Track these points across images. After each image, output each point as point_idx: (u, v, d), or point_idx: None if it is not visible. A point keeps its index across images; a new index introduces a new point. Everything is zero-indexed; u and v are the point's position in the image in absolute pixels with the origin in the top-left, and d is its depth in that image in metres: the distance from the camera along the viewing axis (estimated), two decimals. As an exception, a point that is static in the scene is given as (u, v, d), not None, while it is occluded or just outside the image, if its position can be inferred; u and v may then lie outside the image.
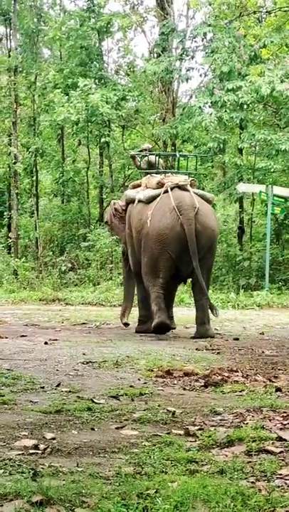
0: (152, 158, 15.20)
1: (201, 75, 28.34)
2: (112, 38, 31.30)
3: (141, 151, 15.86)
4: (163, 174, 14.19)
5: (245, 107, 25.37)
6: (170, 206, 13.03)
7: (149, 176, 14.35)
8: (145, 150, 15.59)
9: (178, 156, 15.97)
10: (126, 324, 14.51)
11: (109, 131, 29.13)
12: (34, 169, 31.33)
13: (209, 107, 26.04)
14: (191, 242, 12.81)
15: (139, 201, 13.85)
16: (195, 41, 27.81)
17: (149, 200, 13.53)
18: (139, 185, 14.62)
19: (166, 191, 13.42)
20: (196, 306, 13.32)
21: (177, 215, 12.90)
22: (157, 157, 15.44)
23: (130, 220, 14.16)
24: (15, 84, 29.98)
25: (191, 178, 14.15)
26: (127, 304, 14.92)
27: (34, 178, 31.58)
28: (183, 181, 13.68)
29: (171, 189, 13.44)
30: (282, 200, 24.49)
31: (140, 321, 14.33)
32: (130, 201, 14.34)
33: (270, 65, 23.55)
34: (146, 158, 15.10)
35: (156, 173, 14.38)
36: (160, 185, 13.61)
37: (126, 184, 26.09)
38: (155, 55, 29.44)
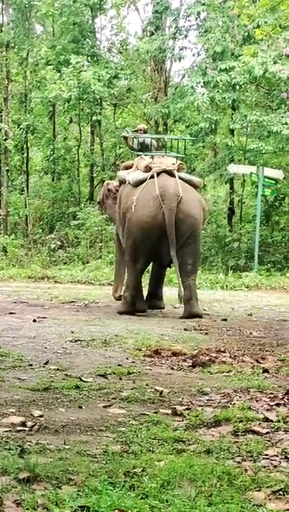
0: (145, 138, 15.22)
1: (194, 55, 28.21)
2: (105, 15, 31.08)
3: (136, 131, 15.87)
4: (153, 156, 14.18)
5: (237, 87, 25.25)
6: (154, 194, 13.08)
7: (140, 157, 14.36)
8: (140, 130, 15.59)
9: (166, 140, 15.97)
10: (120, 297, 14.54)
11: (100, 110, 28.99)
12: (25, 146, 31.16)
13: (202, 86, 25.92)
14: (170, 233, 12.94)
15: (128, 183, 13.87)
16: (188, 20, 27.67)
17: (136, 184, 13.55)
18: (131, 166, 14.63)
19: (152, 176, 13.42)
20: (183, 286, 13.34)
21: (160, 203, 12.98)
22: (150, 138, 15.46)
23: (120, 200, 14.20)
24: (6, 59, 29.79)
25: (179, 162, 14.14)
26: (119, 282, 15.01)
27: (25, 155, 31.41)
28: (170, 166, 13.69)
29: (158, 174, 13.44)
30: (273, 181, 24.44)
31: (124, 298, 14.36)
32: (122, 182, 14.39)
33: (264, 46, 23.44)
34: (138, 138, 15.11)
35: (148, 154, 14.41)
36: (148, 169, 13.59)
37: (117, 163, 26.04)
38: (148, 33, 29.26)
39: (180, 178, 13.57)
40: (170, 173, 13.52)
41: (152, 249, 13.31)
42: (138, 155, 14.63)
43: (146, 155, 14.33)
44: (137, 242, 13.28)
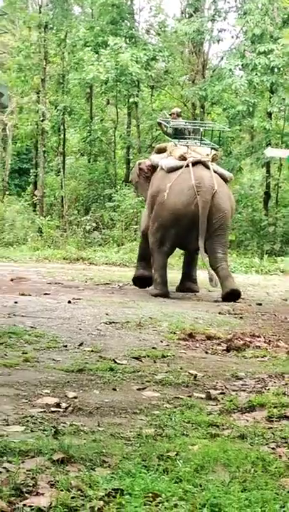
0: (179, 123, 15.27)
1: (232, 37, 28.06)
2: (143, -3, 31.03)
3: (170, 114, 15.89)
4: (187, 145, 14.28)
5: (276, 70, 25.08)
6: (189, 184, 13.28)
7: (173, 143, 14.45)
8: (174, 114, 15.61)
9: (202, 130, 15.98)
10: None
11: (138, 91, 28.94)
12: (62, 127, 31.23)
13: (240, 69, 25.78)
14: (202, 223, 13.22)
15: (161, 168, 14.01)
16: (228, 2, 27.52)
17: (170, 171, 13.70)
18: (164, 149, 14.85)
19: (187, 165, 13.56)
20: (217, 270, 13.40)
21: (195, 194, 13.19)
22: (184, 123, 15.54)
23: (152, 183, 14.33)
24: (45, 40, 29.82)
25: (213, 153, 14.29)
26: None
27: (61, 136, 31.48)
28: (205, 156, 13.86)
29: (193, 164, 13.59)
30: (310, 166, 24.30)
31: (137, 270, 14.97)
32: (154, 165, 14.57)
33: (304, 29, 23.25)
34: (172, 123, 15.16)
35: (182, 140, 14.54)
36: (182, 158, 13.74)
37: (153, 145, 25.94)
38: (187, 15, 29.13)
39: (213, 170, 13.73)
40: (204, 164, 13.68)
41: (180, 235, 13.61)
42: (175, 138, 14.67)
43: (180, 142, 14.40)
44: (166, 227, 13.53)
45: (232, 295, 13.14)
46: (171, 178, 13.52)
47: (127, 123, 31.13)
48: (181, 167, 13.59)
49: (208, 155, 13.97)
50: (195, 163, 13.63)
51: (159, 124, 16.04)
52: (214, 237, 13.50)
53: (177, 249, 15.10)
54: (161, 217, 13.53)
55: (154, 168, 14.63)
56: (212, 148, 14.63)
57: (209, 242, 13.41)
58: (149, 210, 14.29)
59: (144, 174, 15.03)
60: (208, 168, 13.69)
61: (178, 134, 14.95)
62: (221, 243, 13.71)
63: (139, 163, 15.36)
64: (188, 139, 14.70)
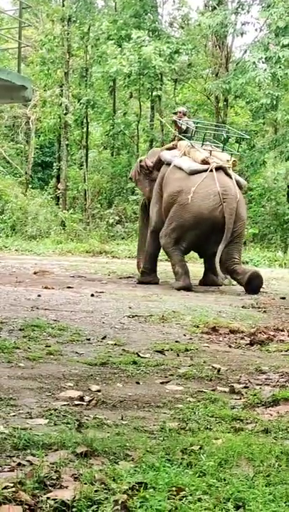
0: (189, 123, 15.44)
1: (256, 30, 28.02)
2: (167, -10, 30.97)
3: (176, 113, 16.08)
4: (207, 149, 14.56)
5: (300, 63, 24.94)
6: (215, 189, 13.52)
7: (188, 144, 14.54)
8: (180, 113, 15.74)
9: (224, 135, 16.25)
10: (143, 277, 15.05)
11: (161, 85, 28.91)
12: (85, 121, 31.24)
13: (263, 62, 25.63)
14: (228, 230, 13.51)
15: (179, 168, 14.17)
16: (251, -5, 27.37)
17: (192, 173, 13.88)
18: (172, 148, 15.13)
19: (210, 170, 13.80)
20: (232, 270, 13.80)
21: (220, 200, 13.45)
22: (192, 123, 15.76)
23: (164, 182, 14.55)
24: (68, 34, 29.83)
25: (233, 159, 14.60)
26: (142, 255, 15.68)
27: (84, 129, 31.49)
28: (226, 163, 14.12)
29: (216, 170, 13.84)
30: None
31: (144, 273, 15.03)
32: (166, 163, 14.74)
33: None
34: (181, 122, 15.37)
35: (196, 139, 14.96)
36: (205, 162, 13.95)
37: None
38: (210, 8, 29.03)
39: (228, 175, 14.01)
40: (225, 171, 13.96)
41: (198, 239, 13.89)
42: (189, 142, 14.81)
43: (196, 143, 14.67)
44: (186, 229, 13.78)
45: (255, 277, 13.57)
46: (194, 181, 13.71)
47: (150, 116, 31.12)
48: (203, 171, 13.82)
49: (228, 161, 14.24)
50: (217, 169, 13.86)
51: (175, 122, 16.07)
52: (233, 243, 13.84)
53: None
54: (183, 218, 13.73)
55: (159, 163, 14.99)
56: (232, 155, 14.96)
57: (227, 248, 13.65)
58: (160, 206, 14.60)
59: (144, 171, 15.50)
60: (228, 174, 13.99)
61: (184, 132, 15.18)
62: (238, 249, 14.20)
63: (140, 161, 15.67)
64: (198, 140, 14.92)
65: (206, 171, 13.75)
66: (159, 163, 15.04)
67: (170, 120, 20.33)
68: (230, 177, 13.93)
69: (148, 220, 15.61)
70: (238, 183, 14.15)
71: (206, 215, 13.47)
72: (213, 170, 13.74)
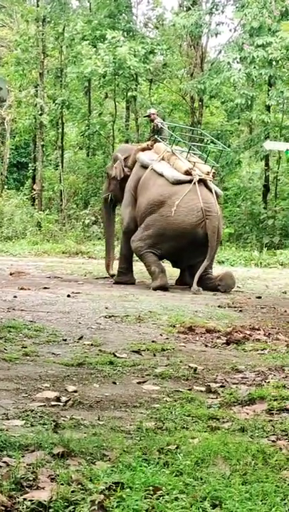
0: (164, 124, 15.59)
1: (230, 30, 28.11)
2: (141, -10, 30.99)
3: (148, 116, 16.14)
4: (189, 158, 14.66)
5: (274, 63, 25.06)
6: (198, 205, 13.60)
7: (169, 149, 14.68)
8: (154, 114, 15.84)
9: (209, 148, 16.57)
10: (113, 275, 15.18)
11: (136, 85, 28.90)
12: (60, 121, 31.18)
13: (238, 62, 25.73)
14: (212, 249, 13.80)
15: (160, 174, 14.19)
16: (226, -5, 27.46)
17: (175, 183, 13.89)
18: (148, 148, 15.19)
19: (191, 182, 13.87)
20: (206, 277, 14.00)
21: (203, 217, 13.56)
22: (164, 124, 15.87)
23: (140, 185, 14.58)
24: (43, 34, 29.76)
25: (213, 171, 14.73)
26: (111, 255, 15.95)
27: (60, 130, 31.43)
28: (207, 175, 14.19)
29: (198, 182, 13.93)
30: (309, 159, 24.28)
31: (120, 273, 15.04)
32: (141, 165, 14.79)
33: (302, 22, 23.22)
34: (157, 123, 15.52)
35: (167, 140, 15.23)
36: (188, 173, 13.99)
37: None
38: (185, 8, 29.09)
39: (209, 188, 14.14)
40: (205, 183, 14.05)
41: (174, 250, 13.95)
42: (157, 138, 15.17)
43: (188, 153, 14.80)
44: (164, 239, 13.80)
45: (228, 276, 13.92)
46: (177, 193, 13.72)
47: (125, 117, 31.12)
48: (186, 181, 13.86)
49: (208, 173, 14.33)
50: (199, 181, 13.92)
51: (152, 120, 16.10)
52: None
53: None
54: (163, 229, 13.74)
55: (136, 167, 14.98)
56: (212, 167, 15.09)
57: (202, 260, 13.76)
58: (133, 208, 14.72)
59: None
60: (209, 187, 14.06)
61: (157, 133, 15.33)
62: (212, 261, 14.49)
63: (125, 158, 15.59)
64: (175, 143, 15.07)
65: (189, 182, 13.79)
66: (134, 163, 15.05)
67: (144, 118, 20.40)
68: (211, 190, 14.01)
69: (113, 216, 16.18)
70: (216, 192, 14.25)
71: (188, 230, 13.54)
72: (196, 183, 13.77)
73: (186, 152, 14.79)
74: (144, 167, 14.60)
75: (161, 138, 15.10)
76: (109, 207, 16.23)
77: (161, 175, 14.10)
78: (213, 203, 13.83)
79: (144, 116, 16.46)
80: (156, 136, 15.28)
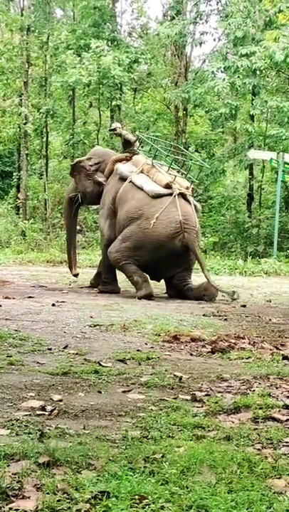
0: (128, 136, 15.58)
1: (214, 40, 28.21)
2: None
3: (114, 129, 16.21)
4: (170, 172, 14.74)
5: (258, 72, 25.19)
6: (177, 219, 13.59)
7: (148, 162, 14.74)
8: (118, 127, 15.91)
9: (190, 163, 16.67)
10: (77, 275, 15.52)
11: (120, 94, 28.96)
12: (44, 130, 31.20)
13: (222, 72, 25.86)
14: (199, 258, 13.95)
15: (139, 188, 14.20)
16: (210, 5, 27.65)
17: (155, 197, 13.91)
18: (124, 159, 15.24)
19: (171, 195, 13.91)
20: (189, 287, 14.16)
21: (181, 229, 13.54)
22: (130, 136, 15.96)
23: (119, 197, 14.59)
24: (27, 43, 29.80)
25: (192, 186, 14.82)
26: (73, 255, 16.03)
27: (44, 139, 31.45)
28: (186, 190, 14.22)
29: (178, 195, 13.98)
30: (293, 168, 24.36)
31: (105, 283, 14.99)
32: (120, 176, 14.81)
33: (285, 31, 23.36)
34: (125, 134, 15.69)
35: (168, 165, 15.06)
36: (168, 186, 14.03)
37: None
38: (169, 17, 29.19)
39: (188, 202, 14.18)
40: (185, 197, 14.07)
41: (152, 261, 13.86)
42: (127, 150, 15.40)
43: (169, 168, 14.87)
44: (142, 250, 13.79)
45: (211, 286, 13.77)
46: (157, 207, 13.73)
47: (109, 126, 31.13)
48: (166, 195, 13.87)
49: (188, 188, 14.35)
50: (178, 195, 13.95)
51: (119, 135, 16.14)
52: (187, 270, 14.20)
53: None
54: (141, 241, 13.73)
55: (113, 178, 15.02)
56: (192, 182, 15.28)
57: (182, 273, 14.06)
58: (112, 219, 14.74)
59: (85, 171, 15.63)
60: (188, 201, 14.09)
61: (128, 145, 15.52)
62: (190, 274, 14.46)
63: (80, 161, 15.66)
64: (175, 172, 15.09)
65: (169, 195, 13.83)
66: (111, 173, 15.11)
67: (110, 131, 20.47)
68: (190, 203, 14.05)
69: (75, 217, 16.35)
70: (195, 206, 14.27)
71: (166, 242, 13.54)
72: (176, 196, 13.80)
73: (166, 166, 14.83)
74: (123, 179, 14.60)
75: (132, 150, 15.16)
76: (74, 207, 16.13)
77: (140, 188, 14.13)
78: (192, 216, 13.85)
79: (110, 131, 16.47)
80: (135, 148, 15.32)
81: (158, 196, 13.87)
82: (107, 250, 14.77)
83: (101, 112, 30.92)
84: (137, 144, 15.60)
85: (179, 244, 13.55)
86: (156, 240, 13.56)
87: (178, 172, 15.21)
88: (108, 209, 14.89)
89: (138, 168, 14.62)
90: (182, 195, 14.00)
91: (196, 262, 14.09)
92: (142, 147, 15.60)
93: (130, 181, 14.39)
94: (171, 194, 13.85)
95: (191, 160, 17.55)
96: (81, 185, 15.68)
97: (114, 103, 28.74)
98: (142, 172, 14.52)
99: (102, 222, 15.20)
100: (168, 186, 13.99)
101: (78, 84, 27.69)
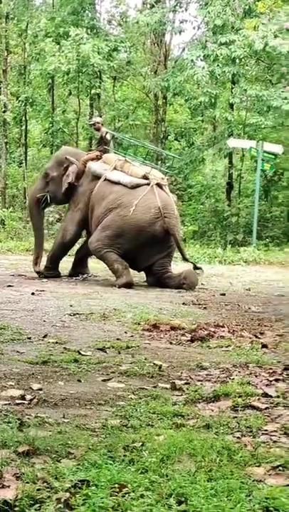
0: (106, 135, 15.72)
1: (194, 28, 28.13)
2: (105, -13, 31.00)
3: (93, 124, 16.18)
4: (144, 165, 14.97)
5: (237, 61, 25.17)
6: (156, 205, 13.78)
7: (119, 158, 14.86)
8: (98, 123, 15.85)
9: (164, 154, 16.74)
10: (39, 273, 15.16)
11: (100, 82, 28.87)
12: (23, 118, 31.07)
13: (201, 60, 25.81)
14: (180, 244, 14.33)
15: (116, 183, 14.27)
16: (189, -7, 27.52)
17: (134, 187, 14.05)
18: (96, 158, 15.23)
19: (149, 185, 14.08)
20: (169, 275, 14.21)
21: (161, 215, 13.71)
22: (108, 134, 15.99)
23: (93, 195, 14.61)
24: (6, 31, 29.61)
25: (167, 177, 15.09)
26: (39, 251, 15.75)
27: (23, 127, 31.33)
28: (162, 180, 14.39)
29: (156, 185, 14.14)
30: (272, 156, 24.40)
31: (48, 268, 15.39)
32: (93, 175, 14.82)
33: (265, 20, 23.29)
34: (103, 132, 15.73)
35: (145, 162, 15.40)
36: (145, 177, 14.18)
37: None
38: (148, 6, 29.09)
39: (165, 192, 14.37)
40: (161, 187, 14.22)
41: (134, 248, 13.93)
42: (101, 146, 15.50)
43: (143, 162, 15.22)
44: (123, 238, 13.88)
45: (191, 274, 13.98)
46: (135, 195, 13.86)
47: (89, 114, 31.06)
48: (143, 185, 14.01)
49: (163, 179, 14.50)
50: (156, 184, 14.10)
51: (97, 129, 16.15)
52: (167, 256, 14.29)
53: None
54: (122, 229, 13.82)
55: (83, 172, 15.04)
56: (166, 173, 15.58)
57: (162, 259, 14.13)
58: (82, 218, 14.93)
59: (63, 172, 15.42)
60: (165, 191, 14.26)
61: (105, 142, 15.53)
62: (171, 261, 14.57)
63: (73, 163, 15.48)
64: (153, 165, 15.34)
65: (146, 185, 13.96)
66: (82, 174, 15.07)
67: (90, 126, 20.43)
68: (168, 194, 14.25)
69: (42, 215, 16.40)
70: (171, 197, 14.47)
71: (146, 228, 13.67)
72: (154, 186, 13.93)
73: (138, 161, 15.01)
74: (97, 177, 14.61)
75: (104, 149, 15.20)
76: (41, 207, 15.96)
77: (117, 183, 14.22)
78: (171, 203, 14.05)
79: (89, 125, 16.43)
80: (104, 147, 15.30)
81: (136, 186, 13.98)
82: (61, 247, 15.31)
83: (80, 101, 30.82)
84: (112, 143, 15.64)
85: (160, 229, 13.68)
86: (136, 226, 13.65)
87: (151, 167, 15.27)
88: (79, 215, 14.99)
89: (111, 165, 14.62)
90: (159, 186, 14.10)
91: (176, 249, 14.18)
92: (118, 148, 15.68)
93: (105, 179, 14.40)
94: (148, 184, 13.97)
95: (163, 154, 17.69)
96: (51, 186, 15.54)
97: (93, 91, 28.65)
98: (115, 169, 14.53)
99: (70, 225, 15.22)
100: (145, 177, 14.12)
101: (57, 72, 27.58)
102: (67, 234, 15.18)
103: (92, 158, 15.23)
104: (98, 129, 15.86)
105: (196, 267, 14.39)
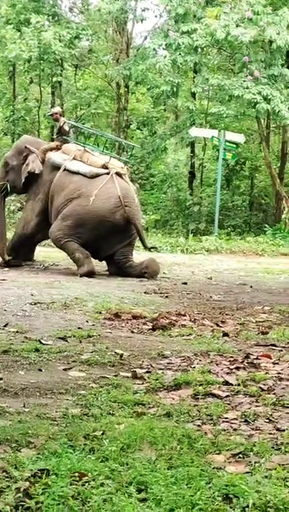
0: (64, 126, 15.53)
1: (156, 16, 28.07)
2: (66, -26, 30.82)
3: (51, 115, 16.17)
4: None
5: (199, 50, 25.17)
6: (116, 194, 13.74)
7: (79, 148, 14.76)
8: (56, 114, 15.78)
9: (124, 143, 16.79)
10: (8, 262, 15.10)
11: (61, 70, 28.73)
12: (-16, 106, 30.84)
13: (163, 49, 25.77)
14: (139, 230, 14.15)
15: (75, 173, 14.21)
16: (151, -19, 27.47)
17: (93, 177, 14.01)
18: (55, 149, 15.12)
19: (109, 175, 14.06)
20: (131, 264, 14.17)
21: (121, 204, 13.68)
22: (69, 125, 15.93)
23: (52, 188, 14.56)
24: None
25: (126, 167, 15.06)
26: (4, 241, 15.53)
27: (-16, 115, 31.09)
28: (121, 169, 14.38)
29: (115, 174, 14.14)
30: (234, 145, 24.49)
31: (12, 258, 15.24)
32: (53, 165, 14.73)
33: (227, 9, 23.36)
34: (61, 122, 15.61)
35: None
36: (104, 167, 14.15)
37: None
38: (110, -7, 28.98)
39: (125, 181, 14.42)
40: (121, 176, 14.21)
41: (94, 237, 13.88)
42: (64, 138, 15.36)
43: (103, 152, 15.21)
44: (84, 228, 13.81)
45: (153, 262, 13.96)
46: (95, 185, 13.82)
47: (51, 102, 30.89)
48: (103, 174, 13.99)
49: (122, 168, 14.50)
50: (116, 174, 14.09)
51: (56, 120, 16.10)
52: (129, 245, 14.25)
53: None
54: (82, 218, 13.75)
55: (42, 161, 14.91)
56: (126, 163, 15.56)
57: (124, 249, 14.09)
58: (42, 209, 14.79)
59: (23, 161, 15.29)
60: (126, 181, 14.28)
61: (65, 133, 15.43)
62: (132, 250, 14.49)
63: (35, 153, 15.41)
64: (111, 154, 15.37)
65: (106, 174, 13.94)
66: (42, 163, 14.95)
67: (50, 117, 20.39)
68: (128, 183, 14.29)
69: (3, 204, 16.07)
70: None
71: (106, 217, 13.64)
72: (114, 175, 13.91)
73: (97, 151, 14.96)
74: (56, 168, 14.54)
75: (63, 139, 15.14)
76: (1, 196, 15.77)
77: (76, 173, 14.17)
78: (131, 192, 14.04)
79: (48, 115, 16.36)
80: (64, 137, 15.24)
81: (96, 176, 13.95)
82: (21, 239, 15.20)
83: (42, 88, 30.64)
84: (71, 133, 15.56)
85: (120, 218, 13.66)
86: (97, 215, 13.61)
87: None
88: (39, 205, 14.88)
89: (70, 156, 14.53)
90: (118, 175, 14.08)
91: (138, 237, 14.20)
92: (77, 138, 15.60)
93: (65, 169, 14.33)
94: (108, 174, 13.94)
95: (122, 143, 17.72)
96: (11, 175, 15.41)
97: (55, 79, 28.49)
98: (74, 159, 14.46)
99: (30, 215, 15.10)
100: (104, 167, 14.09)
101: (19, 59, 27.37)
102: (29, 225, 15.05)
103: (52, 148, 15.16)
104: (57, 120, 15.80)
105: (151, 247, 14.76)
